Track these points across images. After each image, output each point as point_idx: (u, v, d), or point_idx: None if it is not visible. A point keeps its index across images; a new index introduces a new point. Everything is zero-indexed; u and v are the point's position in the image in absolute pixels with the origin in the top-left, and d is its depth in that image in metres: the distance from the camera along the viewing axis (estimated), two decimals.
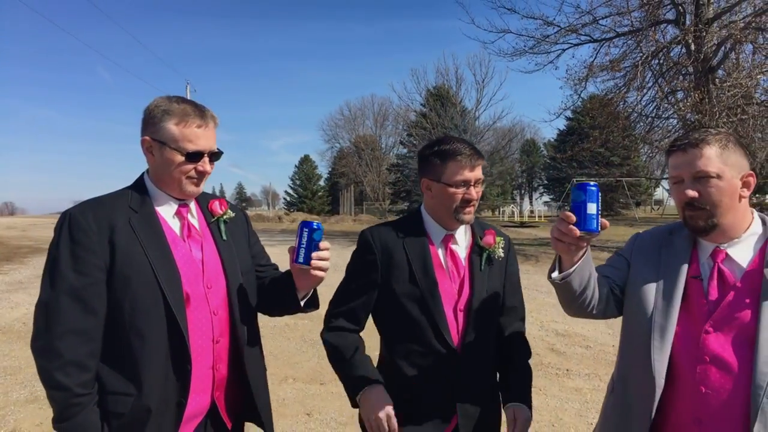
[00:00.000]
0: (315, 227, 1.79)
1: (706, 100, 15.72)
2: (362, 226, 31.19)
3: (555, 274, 1.64)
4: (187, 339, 1.69)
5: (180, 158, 1.75)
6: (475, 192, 2.02)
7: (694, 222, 1.70)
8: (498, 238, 2.14)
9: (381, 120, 63.44)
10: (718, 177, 1.65)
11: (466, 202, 2.00)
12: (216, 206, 1.94)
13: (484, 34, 30.70)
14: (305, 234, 1.77)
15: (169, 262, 1.73)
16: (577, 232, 1.51)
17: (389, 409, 1.90)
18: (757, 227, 1.74)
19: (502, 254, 2.14)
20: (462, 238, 2.12)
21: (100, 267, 1.67)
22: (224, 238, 1.90)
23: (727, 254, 1.72)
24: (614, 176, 40.78)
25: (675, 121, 19.26)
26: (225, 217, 1.94)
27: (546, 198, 65.38)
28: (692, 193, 1.66)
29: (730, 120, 16.02)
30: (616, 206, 49.46)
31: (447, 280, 2.04)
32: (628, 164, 43.80)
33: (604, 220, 1.55)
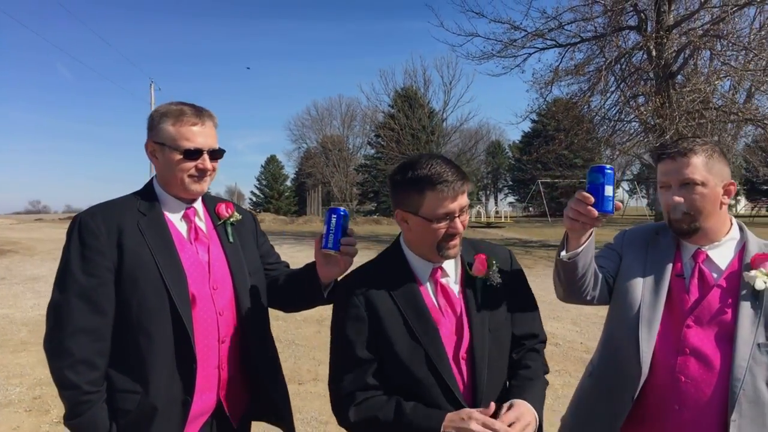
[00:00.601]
0: (343, 213, 1.78)
1: (667, 104, 16.27)
2: None
3: (563, 254, 1.68)
4: (192, 339, 1.73)
5: (178, 156, 1.79)
6: (461, 223, 1.68)
7: (678, 225, 1.80)
8: (490, 260, 1.77)
9: (349, 120, 63.37)
10: (703, 185, 1.75)
11: (451, 236, 1.66)
12: (222, 209, 1.98)
13: (453, 37, 31.17)
14: (333, 220, 1.76)
15: (175, 264, 1.77)
16: (596, 213, 1.55)
17: (472, 412, 1.56)
18: (735, 233, 1.86)
19: (499, 279, 1.76)
20: (452, 269, 1.77)
21: (109, 268, 1.71)
22: (231, 240, 1.95)
23: (707, 256, 1.83)
24: (577, 178, 41.65)
25: (636, 124, 19.87)
26: (232, 219, 1.98)
27: (511, 199, 66.34)
28: (678, 198, 1.77)
29: (689, 124, 16.60)
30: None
31: (444, 322, 1.71)
32: (591, 166, 44.77)
33: (618, 202, 1.62)
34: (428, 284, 1.75)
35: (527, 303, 1.87)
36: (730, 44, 17.06)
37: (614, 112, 19.82)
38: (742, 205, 51.82)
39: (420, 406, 1.63)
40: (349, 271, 1.84)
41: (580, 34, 18.98)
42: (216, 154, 1.87)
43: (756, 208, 45.27)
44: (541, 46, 19.55)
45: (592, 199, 1.54)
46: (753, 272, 1.73)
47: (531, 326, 1.86)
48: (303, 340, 7.14)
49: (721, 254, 1.83)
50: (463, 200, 1.68)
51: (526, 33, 19.07)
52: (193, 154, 1.80)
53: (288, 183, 70.52)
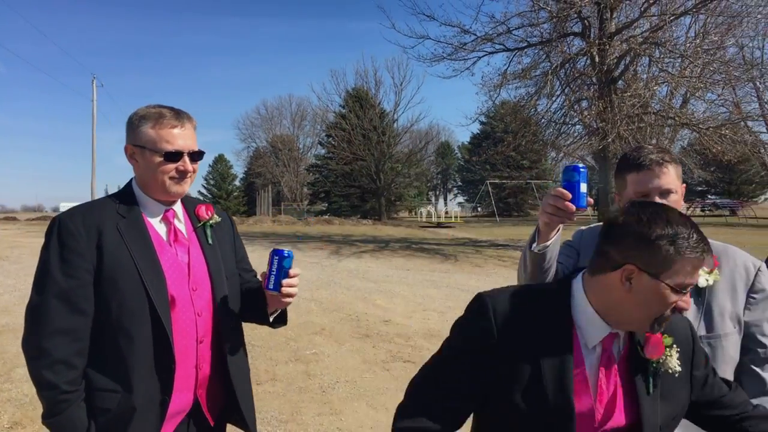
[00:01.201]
0: (285, 255, 1.85)
1: (608, 108, 16.92)
2: (282, 227, 30.90)
3: (535, 246, 1.76)
4: (171, 340, 1.76)
5: (159, 159, 1.81)
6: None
7: None
8: (667, 340, 1.43)
9: (299, 120, 63.04)
10: (675, 192, 1.85)
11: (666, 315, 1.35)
12: (202, 211, 2.01)
13: (404, 39, 31.42)
14: (275, 261, 1.84)
15: (155, 266, 1.79)
16: (574, 208, 1.64)
17: None
18: None
19: (678, 368, 1.42)
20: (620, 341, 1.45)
21: (88, 270, 1.72)
22: (210, 242, 1.98)
23: None
24: (524, 179, 42.67)
25: (580, 127, 20.57)
26: (211, 221, 2.01)
27: (460, 199, 67.34)
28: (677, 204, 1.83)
29: (630, 128, 17.32)
30: (526, 207, 51.77)
31: (588, 401, 1.38)
32: (537, 167, 45.98)
33: (590, 198, 1.72)
34: (590, 353, 1.40)
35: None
36: (668, 51, 17.90)
37: (559, 115, 20.45)
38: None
39: None
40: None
41: (527, 39, 19.47)
42: (196, 156, 1.90)
43: (691, 209, 47.44)
44: (490, 50, 19.96)
45: (570, 195, 1.64)
46: None
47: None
48: (259, 340, 7.13)
49: None
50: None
51: (475, 37, 19.43)
52: (174, 156, 1.82)
53: (237, 183, 69.42)
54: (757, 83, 25.89)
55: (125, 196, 1.88)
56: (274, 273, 1.84)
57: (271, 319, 2.01)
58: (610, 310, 1.38)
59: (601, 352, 1.41)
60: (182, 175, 1.86)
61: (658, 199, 1.84)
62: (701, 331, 1.79)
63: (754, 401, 1.64)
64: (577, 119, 20.28)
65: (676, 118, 18.38)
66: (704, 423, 1.54)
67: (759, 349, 1.81)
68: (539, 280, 1.86)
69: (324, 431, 4.47)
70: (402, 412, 1.48)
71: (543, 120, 20.87)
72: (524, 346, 1.36)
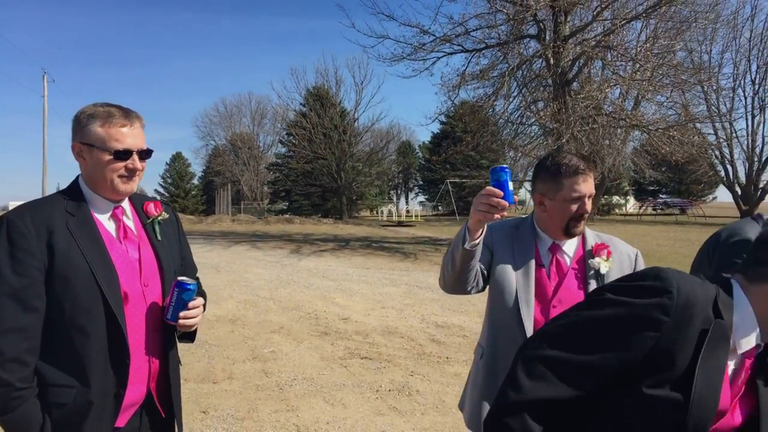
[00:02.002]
0: (186, 287, 1.89)
1: (563, 110, 17.36)
2: (242, 226, 30.53)
3: (468, 244, 1.93)
4: (125, 334, 1.80)
5: (108, 157, 1.84)
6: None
7: (577, 229, 2.14)
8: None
9: (259, 118, 62.36)
10: (594, 194, 2.14)
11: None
12: (151, 208, 2.04)
13: (364, 38, 31.43)
14: (175, 293, 1.89)
15: (106, 263, 1.82)
16: (507, 204, 1.82)
17: None
18: None
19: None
20: None
21: (39, 268, 1.74)
22: (159, 238, 2.02)
23: (560, 247, 2.19)
24: (483, 178, 43.23)
25: (537, 128, 21.04)
26: (160, 218, 2.05)
27: (421, 198, 67.76)
28: (589, 207, 2.11)
29: (583, 129, 17.82)
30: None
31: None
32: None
33: (515, 197, 1.93)
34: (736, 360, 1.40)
35: None
36: (619, 55, 18.47)
37: (516, 115, 20.84)
38: (631, 205, 55.90)
39: None
40: None
41: (485, 40, 19.75)
42: (144, 155, 1.93)
43: (643, 207, 48.98)
44: (449, 50, 20.18)
45: (501, 193, 1.82)
46: (596, 259, 2.14)
47: None
48: (216, 339, 7.11)
49: (569, 246, 2.21)
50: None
51: (434, 38, 19.63)
52: (123, 154, 1.85)
53: (195, 181, 68.24)
54: (705, 86, 27.01)
55: (73, 194, 1.89)
56: (173, 304, 1.90)
57: (176, 334, 2.05)
58: (766, 321, 1.36)
59: (742, 359, 1.40)
60: (131, 173, 1.88)
61: (587, 201, 2.08)
62: None
63: None
64: (533, 120, 20.71)
65: (627, 120, 18.99)
66: None
67: None
68: (464, 275, 2.02)
69: (280, 427, 4.53)
70: (549, 340, 1.40)
71: (501, 120, 21.25)
72: (688, 337, 1.29)
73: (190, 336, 2.11)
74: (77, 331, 1.76)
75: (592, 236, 2.23)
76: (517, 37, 19.18)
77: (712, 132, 34.34)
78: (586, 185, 2.09)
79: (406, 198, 72.62)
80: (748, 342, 1.37)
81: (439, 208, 57.02)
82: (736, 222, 2.46)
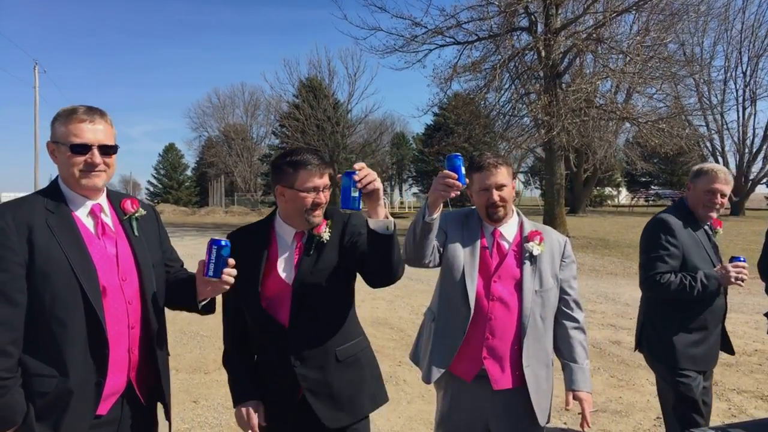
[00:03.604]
0: (224, 244, 1.96)
1: (554, 102, 17.44)
2: (235, 218, 30.57)
3: (428, 216, 2.25)
4: (104, 326, 1.89)
5: (68, 152, 1.92)
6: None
7: (496, 214, 2.51)
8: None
9: (252, 109, 62.15)
10: (507, 186, 2.51)
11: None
12: (128, 205, 2.12)
13: (357, 30, 31.33)
14: (214, 251, 1.95)
15: (85, 258, 1.91)
16: (461, 185, 2.15)
17: None
18: (515, 217, 2.64)
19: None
20: None
21: (20, 264, 1.82)
22: (136, 234, 2.10)
23: (501, 233, 2.58)
24: None
25: (528, 120, 21.12)
26: (136, 214, 2.13)
27: (415, 189, 67.79)
28: (497, 195, 2.48)
29: (574, 121, 17.91)
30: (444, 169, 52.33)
31: None
32: (472, 156, 46.66)
33: (466, 179, 2.24)
34: None
35: None
36: (610, 48, 18.56)
37: (508, 108, 20.94)
38: (623, 196, 56.13)
39: None
40: None
41: (476, 32, 19.82)
42: (106, 149, 1.97)
43: (635, 199, 49.27)
44: (441, 42, 20.22)
45: (456, 175, 2.16)
46: (531, 243, 2.53)
47: None
48: (208, 330, 7.21)
49: (509, 231, 2.60)
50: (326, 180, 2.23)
51: (426, 30, 19.67)
52: (80, 148, 1.91)
53: (188, 173, 67.95)
54: (696, 78, 27.17)
55: (52, 192, 1.97)
56: (213, 261, 1.96)
57: (200, 307, 2.14)
58: None
59: None
60: (90, 167, 1.94)
61: (495, 192, 2.48)
62: (536, 286, 2.50)
63: (569, 331, 2.56)
64: (525, 112, 20.81)
65: (618, 113, 19.11)
66: None
67: (567, 297, 2.59)
68: (424, 246, 2.34)
69: None
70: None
71: (493, 112, 21.33)
72: None
73: (211, 306, 2.18)
74: (57, 324, 1.84)
75: (529, 224, 2.62)
76: (508, 29, 19.23)
77: (703, 124, 34.60)
78: (494, 178, 2.48)
79: (400, 189, 72.71)
80: None
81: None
82: None
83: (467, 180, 2.30)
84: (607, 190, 53.77)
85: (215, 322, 7.76)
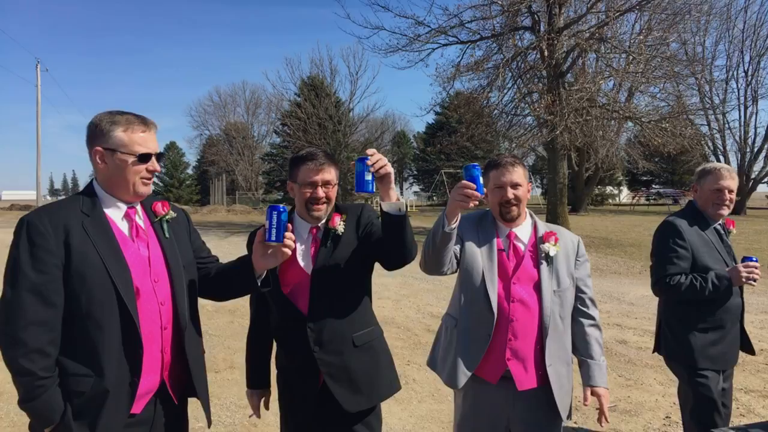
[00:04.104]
0: (282, 209, 2.01)
1: (557, 102, 17.47)
2: (237, 216, 30.61)
3: (448, 227, 2.30)
4: (138, 327, 1.93)
5: (132, 160, 1.98)
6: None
7: (510, 213, 2.54)
8: None
9: (253, 108, 62.10)
10: (522, 186, 2.54)
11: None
12: (159, 207, 2.16)
13: (360, 29, 31.17)
14: (275, 216, 2.00)
15: (119, 260, 1.95)
16: (480, 195, 2.17)
17: None
18: (529, 218, 2.66)
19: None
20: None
21: (57, 265, 1.86)
22: (167, 236, 2.14)
23: (516, 234, 2.60)
24: None
25: (531, 119, 21.15)
26: (167, 216, 2.17)
27: (416, 188, 67.84)
28: (511, 193, 2.51)
29: (577, 120, 17.95)
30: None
31: None
32: (490, 157, 46.26)
33: (485, 189, 2.32)
34: None
35: None
36: (613, 47, 18.59)
37: (511, 107, 20.98)
38: (624, 195, 56.14)
39: None
40: None
41: (479, 32, 19.85)
42: (160, 157, 2.07)
43: (636, 198, 49.26)
44: (444, 42, 20.27)
45: (474, 186, 2.18)
46: (546, 244, 2.55)
47: None
48: (217, 330, 7.26)
49: (523, 233, 2.62)
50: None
51: (429, 29, 19.71)
52: (145, 157, 2.00)
53: (189, 171, 67.95)
54: (698, 78, 27.16)
55: (88, 196, 2.02)
56: (275, 226, 2.00)
57: (259, 283, 2.15)
58: None
59: None
60: (149, 175, 2.03)
61: (510, 190, 2.51)
62: (554, 286, 2.53)
63: (586, 328, 2.60)
64: (528, 111, 20.83)
65: (621, 112, 19.13)
66: None
67: (583, 295, 2.63)
68: (442, 256, 2.40)
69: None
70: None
71: (495, 111, 21.36)
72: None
73: (268, 281, 2.20)
74: (93, 324, 1.89)
75: (542, 226, 2.65)
76: (511, 28, 19.25)
77: (705, 123, 34.57)
78: (510, 175, 2.53)
79: (401, 188, 72.71)
80: None
81: (434, 198, 57.15)
82: None
83: (486, 190, 2.37)
84: (609, 189, 53.78)
85: (224, 321, 7.82)
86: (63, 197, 2.10)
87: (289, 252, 2.07)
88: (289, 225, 2.05)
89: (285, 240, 2.03)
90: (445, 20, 19.61)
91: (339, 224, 2.43)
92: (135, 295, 1.96)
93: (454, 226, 2.31)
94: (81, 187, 2.15)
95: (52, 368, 1.85)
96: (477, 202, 2.22)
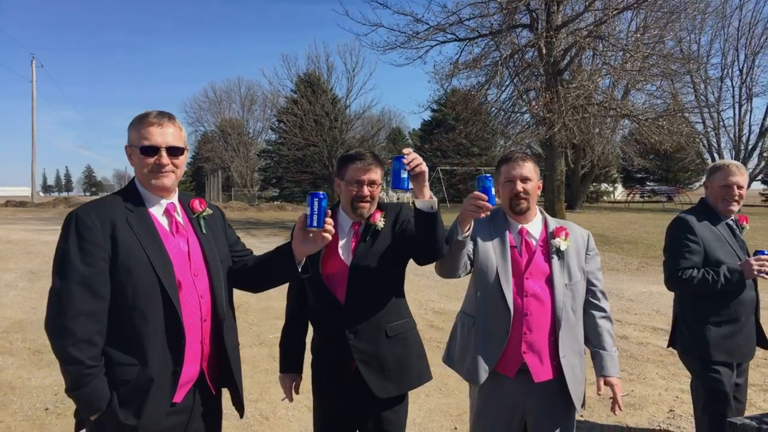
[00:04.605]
0: (322, 196, 2.07)
1: (555, 99, 17.57)
2: (233, 213, 30.59)
3: (461, 235, 2.38)
4: (181, 318, 2.00)
5: (139, 154, 2.05)
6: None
7: (519, 206, 2.61)
8: None
9: (248, 104, 61.94)
10: (532, 180, 2.61)
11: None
12: (196, 204, 2.25)
13: (358, 26, 31.39)
14: (316, 202, 2.05)
15: (162, 254, 2.02)
16: (491, 206, 2.27)
17: None
18: (539, 214, 2.74)
19: None
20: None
21: (104, 258, 1.94)
22: (204, 231, 2.21)
23: (527, 230, 2.67)
24: (474, 165, 43.51)
25: (528, 116, 21.25)
26: (204, 213, 2.25)
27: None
28: (521, 186, 2.59)
29: (575, 118, 18.05)
30: (474, 189, 52.54)
31: None
32: (487, 154, 46.79)
33: (497, 199, 2.40)
34: None
35: None
36: (610, 45, 18.70)
37: (509, 104, 21.09)
38: (619, 192, 56.40)
39: None
40: None
41: (478, 29, 19.91)
42: (175, 151, 2.10)
43: (631, 195, 49.52)
44: (442, 39, 20.32)
45: (486, 197, 2.26)
46: (557, 239, 2.63)
47: None
48: None
49: (534, 229, 2.70)
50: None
51: (428, 26, 19.75)
52: (149, 150, 2.04)
53: (184, 167, 67.64)
54: (693, 76, 27.34)
55: (130, 193, 2.10)
56: (316, 212, 2.06)
57: (299, 269, 2.20)
58: None
59: None
60: (158, 168, 2.06)
61: (519, 183, 2.59)
62: (565, 280, 2.62)
63: (597, 320, 2.69)
64: (525, 109, 20.93)
65: (617, 109, 19.24)
66: None
67: (594, 288, 2.72)
68: (457, 261, 2.50)
69: (292, 408, 4.75)
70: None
71: (493, 109, 21.45)
72: None
73: (308, 268, 2.25)
74: (139, 316, 1.96)
75: (553, 222, 2.73)
76: (509, 26, 19.33)
77: (700, 121, 34.79)
78: (520, 169, 2.60)
79: None
80: None
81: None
82: None
83: (498, 199, 2.49)
84: (604, 186, 54.03)
85: None
86: (56, 195, 2.14)
87: (329, 237, 2.12)
88: (329, 211, 2.11)
89: (325, 225, 2.08)
90: (444, 17, 19.69)
91: (379, 220, 2.56)
92: (177, 287, 2.03)
93: (467, 234, 2.41)
94: (74, 184, 2.21)
95: (99, 358, 1.92)
96: (488, 213, 2.32)
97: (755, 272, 3.02)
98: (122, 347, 1.96)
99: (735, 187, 3.21)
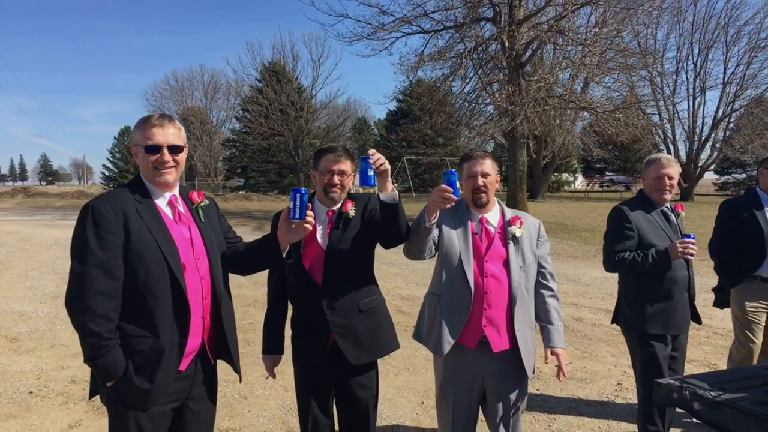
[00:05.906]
0: (304, 191, 2.38)
1: (517, 92, 18.01)
2: None
3: (428, 222, 2.73)
4: (186, 296, 2.28)
5: (143, 152, 2.32)
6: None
7: (480, 199, 2.94)
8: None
9: (212, 92, 61.03)
10: (491, 175, 2.94)
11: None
12: (195, 196, 2.52)
13: (324, 16, 31.30)
14: (298, 197, 2.36)
15: (169, 240, 2.29)
16: (456, 198, 2.60)
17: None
18: (497, 205, 3.07)
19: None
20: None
21: (119, 245, 2.19)
22: (203, 220, 2.49)
23: (486, 219, 3.00)
24: (439, 155, 43.99)
25: (492, 108, 21.69)
26: (202, 204, 2.52)
27: None
28: (481, 181, 2.91)
29: (536, 110, 18.56)
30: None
31: None
32: (452, 145, 47.34)
33: (461, 191, 2.80)
34: None
35: None
36: (570, 39, 19.23)
37: (473, 96, 21.42)
38: (579, 182, 57.76)
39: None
40: None
41: (442, 22, 20.18)
42: (174, 149, 2.35)
43: (590, 185, 50.86)
44: (408, 31, 20.51)
45: (452, 190, 2.59)
46: (513, 227, 2.97)
47: None
48: None
49: (493, 218, 3.03)
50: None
51: (394, 18, 19.96)
52: (152, 149, 2.31)
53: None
54: (650, 70, 28.24)
55: (138, 186, 2.37)
56: (299, 206, 2.38)
57: (284, 255, 2.54)
58: None
59: None
60: (160, 164, 2.33)
61: (480, 178, 2.91)
62: (520, 262, 2.96)
63: (546, 298, 3.05)
64: (489, 101, 21.33)
65: (577, 102, 19.84)
66: None
67: (543, 270, 3.07)
68: (424, 244, 2.85)
69: (269, 387, 5.03)
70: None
71: (457, 100, 21.81)
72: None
73: (291, 254, 2.59)
74: (150, 294, 2.23)
75: (509, 211, 3.08)
76: (473, 19, 19.63)
77: (656, 113, 35.95)
78: (480, 166, 2.93)
79: None
80: None
81: (396, 184, 57.58)
82: None
83: (462, 191, 2.87)
84: (564, 176, 55.27)
85: None
86: (11, 184, 2.40)
87: (310, 228, 2.46)
88: (310, 204, 2.44)
89: (306, 217, 2.41)
90: (410, 10, 19.88)
91: (351, 209, 2.90)
92: (182, 269, 2.31)
93: (433, 222, 2.76)
94: (29, 173, 2.43)
95: (114, 331, 2.19)
96: (453, 204, 2.68)
97: (680, 254, 3.40)
98: (136, 322, 2.23)
99: (666, 178, 3.57)
